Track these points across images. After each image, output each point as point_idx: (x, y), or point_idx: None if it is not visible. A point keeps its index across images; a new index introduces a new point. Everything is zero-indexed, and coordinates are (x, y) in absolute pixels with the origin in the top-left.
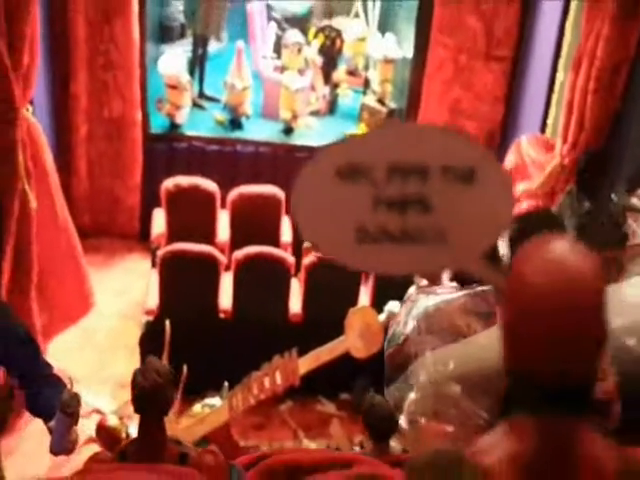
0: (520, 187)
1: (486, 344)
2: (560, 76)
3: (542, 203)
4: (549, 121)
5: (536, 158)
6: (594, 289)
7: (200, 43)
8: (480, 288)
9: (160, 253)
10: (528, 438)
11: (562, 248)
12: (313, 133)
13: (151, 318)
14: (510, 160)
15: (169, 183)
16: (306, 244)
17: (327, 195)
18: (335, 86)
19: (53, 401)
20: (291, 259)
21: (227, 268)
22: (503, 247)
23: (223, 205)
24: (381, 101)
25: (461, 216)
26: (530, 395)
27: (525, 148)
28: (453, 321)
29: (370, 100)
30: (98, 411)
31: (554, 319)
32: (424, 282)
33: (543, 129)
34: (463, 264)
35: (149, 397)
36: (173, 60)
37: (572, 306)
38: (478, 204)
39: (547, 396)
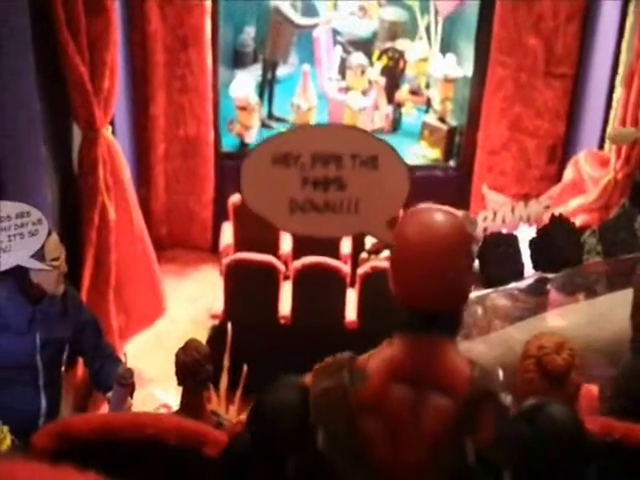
0: (576, 202)
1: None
2: (617, 93)
3: (597, 217)
4: None
5: (592, 174)
6: (449, 240)
7: (269, 67)
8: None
9: (225, 262)
10: (398, 348)
11: (431, 213)
12: None
13: (217, 322)
14: (568, 176)
15: (236, 198)
16: (362, 255)
17: (266, 176)
18: (398, 105)
19: (112, 376)
20: (346, 269)
21: (288, 277)
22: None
23: None
24: (442, 119)
25: (369, 193)
26: (406, 317)
27: (582, 164)
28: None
29: (431, 118)
30: (166, 406)
31: (418, 260)
32: None
33: (602, 145)
34: (370, 229)
35: (189, 371)
36: (243, 83)
37: (431, 252)
38: (381, 184)
39: (415, 317)
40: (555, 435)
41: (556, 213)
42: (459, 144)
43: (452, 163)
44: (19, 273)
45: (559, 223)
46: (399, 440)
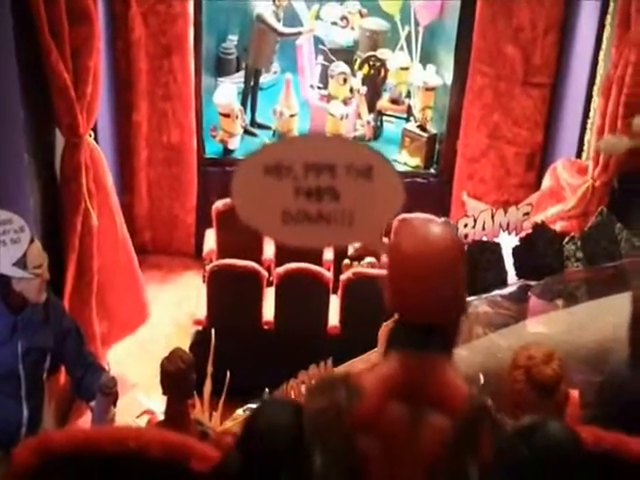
0: (554, 209)
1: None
2: (595, 102)
3: (575, 224)
4: (585, 146)
5: (570, 181)
6: (446, 256)
7: (252, 75)
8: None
9: (209, 268)
10: (394, 366)
11: (427, 225)
12: None
13: (200, 328)
14: (546, 183)
15: (219, 204)
16: (345, 261)
17: (258, 187)
18: (379, 113)
19: (94, 384)
20: (329, 275)
21: (271, 283)
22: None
23: None
24: (422, 127)
25: (363, 203)
26: (402, 333)
27: (560, 172)
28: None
29: (411, 126)
30: (149, 411)
31: (417, 275)
32: None
33: (580, 153)
34: (365, 239)
35: (173, 380)
36: (226, 91)
37: (429, 265)
38: (375, 194)
39: (413, 332)
40: (552, 455)
41: (537, 220)
42: (439, 152)
43: (433, 170)
44: (0, 281)
45: (541, 231)
46: (396, 460)
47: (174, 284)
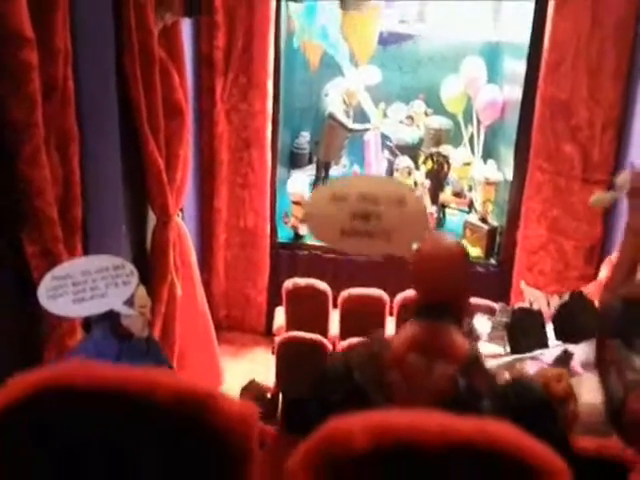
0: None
1: None
2: None
3: None
4: None
5: None
6: (450, 256)
7: (323, 167)
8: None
9: (278, 339)
10: (414, 329)
11: (442, 239)
12: None
13: (269, 396)
14: (602, 274)
15: (289, 283)
16: None
17: (325, 210)
18: (442, 206)
19: None
20: None
21: None
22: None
23: (335, 304)
24: (483, 219)
25: (398, 224)
26: (421, 309)
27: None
28: None
29: (473, 218)
30: None
31: (429, 270)
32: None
33: None
34: (399, 251)
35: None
36: (298, 181)
37: (438, 266)
38: (407, 217)
39: (429, 308)
40: (525, 391)
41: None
42: (500, 243)
43: (493, 261)
44: (112, 316)
45: (578, 298)
46: (413, 393)
47: (246, 359)
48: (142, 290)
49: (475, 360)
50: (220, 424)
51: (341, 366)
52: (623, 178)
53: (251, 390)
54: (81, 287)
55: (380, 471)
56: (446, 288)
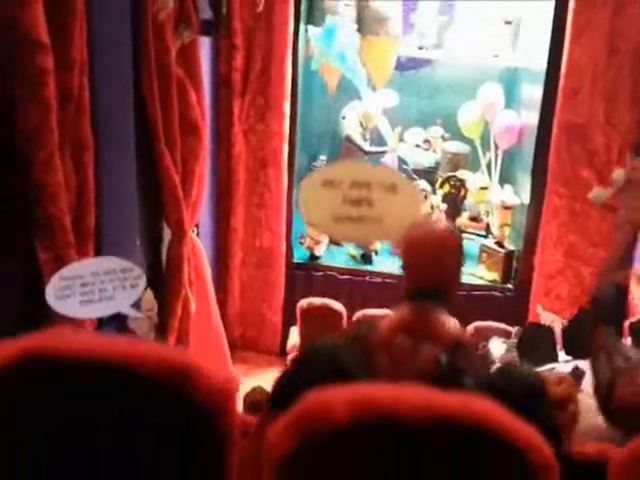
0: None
1: None
2: None
3: None
4: None
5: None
6: (439, 242)
7: None
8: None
9: (290, 357)
10: (403, 311)
11: (433, 224)
12: None
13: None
14: None
15: (303, 302)
16: None
17: (317, 195)
18: (459, 230)
19: None
20: None
21: None
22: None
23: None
24: (500, 243)
25: (390, 210)
26: (411, 293)
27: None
28: None
29: (489, 242)
30: None
31: (421, 254)
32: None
33: None
34: (390, 237)
35: (249, 407)
36: None
37: (429, 251)
38: (399, 204)
39: (418, 292)
40: (513, 374)
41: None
42: (516, 268)
43: (510, 285)
44: (119, 318)
45: (586, 314)
46: (400, 374)
47: (258, 378)
48: (149, 294)
49: (463, 343)
50: (200, 393)
51: (327, 347)
52: (619, 173)
53: (254, 394)
54: (89, 288)
55: (360, 445)
56: (436, 272)
